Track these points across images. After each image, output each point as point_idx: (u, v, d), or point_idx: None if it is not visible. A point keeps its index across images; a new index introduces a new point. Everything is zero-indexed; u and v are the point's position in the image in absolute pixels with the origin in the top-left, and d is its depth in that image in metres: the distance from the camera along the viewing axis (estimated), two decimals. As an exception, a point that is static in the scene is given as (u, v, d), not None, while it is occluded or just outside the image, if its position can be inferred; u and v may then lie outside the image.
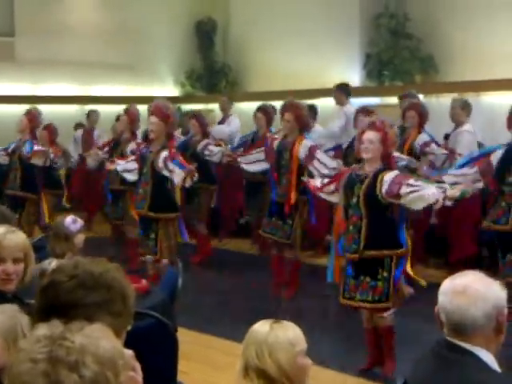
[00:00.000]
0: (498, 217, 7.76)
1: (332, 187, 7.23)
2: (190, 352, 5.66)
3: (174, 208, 8.80)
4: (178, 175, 8.46)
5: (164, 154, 8.58)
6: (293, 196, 8.86)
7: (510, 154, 7.81)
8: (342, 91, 12.52)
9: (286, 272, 9.42)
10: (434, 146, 10.25)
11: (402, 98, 11.59)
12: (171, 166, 8.47)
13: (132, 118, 11.30)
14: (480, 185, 8.33)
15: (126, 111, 11.90)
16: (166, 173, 8.57)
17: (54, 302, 2.29)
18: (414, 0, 16.32)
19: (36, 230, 10.75)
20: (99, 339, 1.78)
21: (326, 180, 7.62)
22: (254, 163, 10.06)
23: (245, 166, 10.43)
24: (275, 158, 9.18)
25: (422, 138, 10.21)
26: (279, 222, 9.18)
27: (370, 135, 6.44)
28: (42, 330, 1.81)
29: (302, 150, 8.84)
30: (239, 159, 10.45)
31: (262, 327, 3.12)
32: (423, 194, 6.45)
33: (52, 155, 11.67)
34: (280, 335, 3.05)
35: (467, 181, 8.14)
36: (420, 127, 10.03)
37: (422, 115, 10.09)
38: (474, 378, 2.81)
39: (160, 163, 8.42)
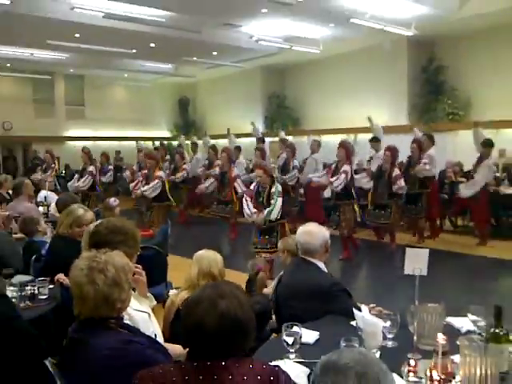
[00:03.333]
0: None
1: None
2: (176, 267, 5.53)
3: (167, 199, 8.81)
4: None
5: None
6: (233, 196, 9.34)
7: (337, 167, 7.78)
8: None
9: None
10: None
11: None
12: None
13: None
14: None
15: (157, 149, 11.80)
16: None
17: (97, 241, 2.44)
18: (288, 87, 17.66)
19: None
20: (114, 257, 1.97)
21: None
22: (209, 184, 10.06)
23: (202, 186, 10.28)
24: (220, 179, 9.54)
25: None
26: (223, 206, 9.49)
27: (257, 172, 6.67)
28: (85, 254, 2.02)
29: (233, 174, 9.30)
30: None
31: (208, 252, 3.16)
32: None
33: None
34: (217, 255, 3.16)
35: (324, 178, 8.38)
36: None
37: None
38: (315, 276, 2.92)
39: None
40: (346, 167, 7.61)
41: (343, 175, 7.57)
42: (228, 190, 9.52)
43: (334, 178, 7.67)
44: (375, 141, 9.29)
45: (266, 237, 6.67)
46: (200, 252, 3.19)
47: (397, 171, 8.09)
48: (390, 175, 8.11)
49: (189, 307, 1.59)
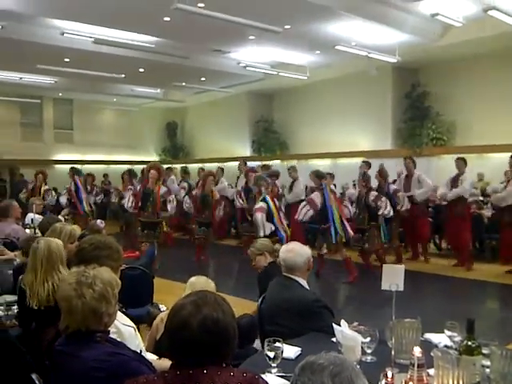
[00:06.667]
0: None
1: None
2: (161, 288, 5.44)
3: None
4: (172, 205, 8.29)
5: (163, 189, 8.28)
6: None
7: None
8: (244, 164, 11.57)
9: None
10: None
11: (263, 166, 11.41)
12: (170, 197, 8.22)
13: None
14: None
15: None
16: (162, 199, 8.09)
17: (84, 257, 2.47)
18: (276, 112, 17.85)
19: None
20: (103, 272, 2.03)
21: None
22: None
23: None
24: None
25: None
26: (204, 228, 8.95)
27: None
28: (74, 269, 2.09)
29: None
30: None
31: (201, 278, 3.20)
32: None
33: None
34: (210, 281, 3.15)
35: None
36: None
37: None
38: (298, 292, 2.97)
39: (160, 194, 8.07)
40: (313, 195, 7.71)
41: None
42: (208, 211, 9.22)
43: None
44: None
45: None
46: (192, 278, 3.24)
47: (374, 194, 8.12)
48: (366, 200, 8.14)
49: (174, 311, 1.67)
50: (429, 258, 8.95)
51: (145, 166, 13.17)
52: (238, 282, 7.05)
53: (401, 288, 2.40)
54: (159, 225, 8.24)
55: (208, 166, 15.10)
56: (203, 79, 15.63)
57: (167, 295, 5.13)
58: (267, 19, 9.69)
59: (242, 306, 4.83)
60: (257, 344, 3.41)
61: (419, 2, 9.28)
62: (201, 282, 3.15)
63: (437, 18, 9.85)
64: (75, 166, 12.28)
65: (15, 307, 3.24)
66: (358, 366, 2.23)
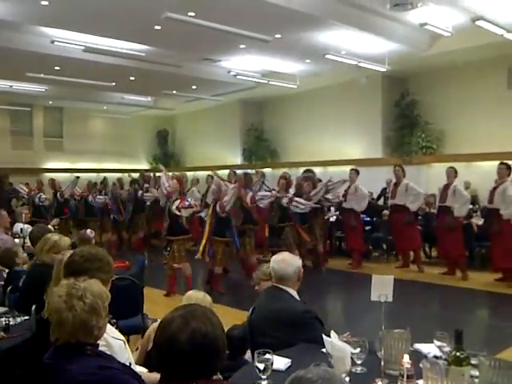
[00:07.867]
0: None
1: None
2: (151, 298, 5.63)
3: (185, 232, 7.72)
4: (186, 213, 7.65)
5: (176, 202, 7.56)
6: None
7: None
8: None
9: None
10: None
11: (256, 172, 10.84)
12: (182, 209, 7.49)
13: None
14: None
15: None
16: (177, 212, 7.51)
17: (74, 270, 2.44)
18: (266, 120, 17.82)
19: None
20: (93, 284, 2.02)
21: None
22: None
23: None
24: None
25: None
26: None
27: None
28: (64, 281, 2.07)
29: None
30: None
31: (199, 292, 3.23)
32: None
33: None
34: (207, 296, 3.17)
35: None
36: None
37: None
38: (288, 303, 2.93)
39: (173, 208, 7.55)
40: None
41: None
42: None
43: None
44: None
45: None
46: (190, 292, 3.24)
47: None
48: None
49: (162, 325, 1.66)
50: (422, 267, 8.95)
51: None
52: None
53: (390, 299, 2.41)
54: (171, 242, 7.66)
55: (199, 174, 15.11)
56: (194, 87, 15.63)
57: (155, 305, 5.36)
58: (258, 28, 9.75)
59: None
60: (248, 355, 3.39)
61: (408, 12, 9.34)
62: (197, 297, 3.14)
63: (426, 28, 9.94)
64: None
65: (3, 319, 3.23)
66: (348, 378, 2.26)
